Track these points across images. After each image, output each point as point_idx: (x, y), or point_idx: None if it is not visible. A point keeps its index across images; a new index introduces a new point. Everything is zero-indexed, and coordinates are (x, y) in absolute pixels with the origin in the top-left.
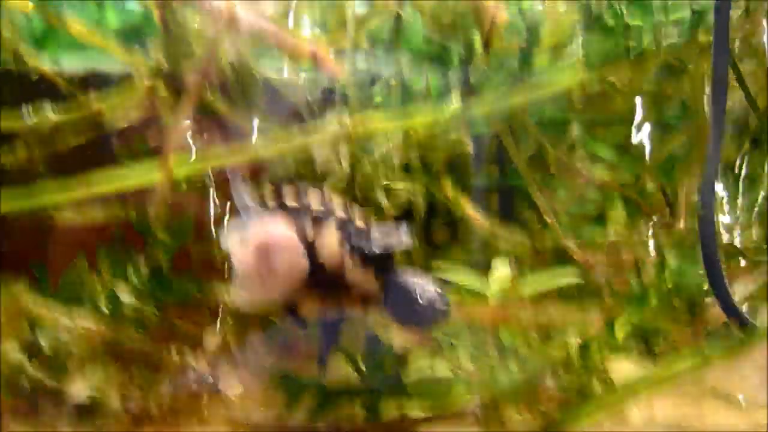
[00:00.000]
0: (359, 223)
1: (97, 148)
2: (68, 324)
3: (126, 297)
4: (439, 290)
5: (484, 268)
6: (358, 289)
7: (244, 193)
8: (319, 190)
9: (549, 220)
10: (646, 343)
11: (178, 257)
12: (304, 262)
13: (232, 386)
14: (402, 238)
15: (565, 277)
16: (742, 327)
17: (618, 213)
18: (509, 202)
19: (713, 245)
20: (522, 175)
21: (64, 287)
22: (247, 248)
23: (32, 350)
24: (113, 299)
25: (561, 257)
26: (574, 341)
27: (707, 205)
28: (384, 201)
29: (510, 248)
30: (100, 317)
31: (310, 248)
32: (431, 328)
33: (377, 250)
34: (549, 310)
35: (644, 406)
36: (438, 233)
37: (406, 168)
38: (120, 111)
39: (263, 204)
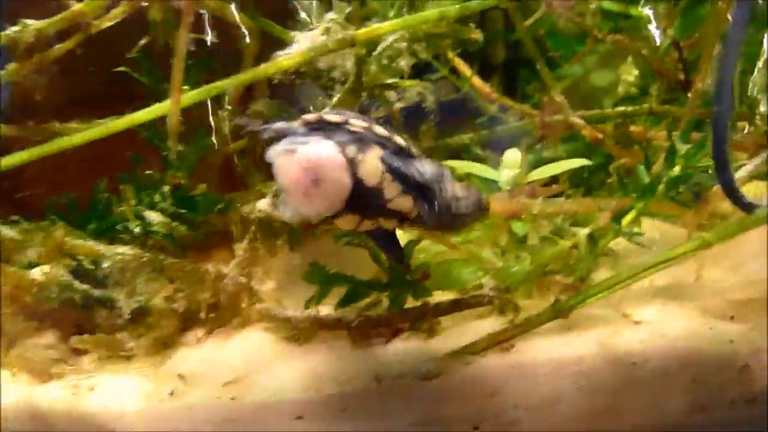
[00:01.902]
0: (399, 140)
1: None
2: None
3: (154, 218)
4: (475, 194)
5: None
6: (396, 209)
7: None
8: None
9: (556, 98)
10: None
11: (198, 172)
12: (348, 181)
13: None
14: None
15: (574, 163)
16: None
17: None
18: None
19: (724, 131)
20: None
21: (93, 218)
22: (295, 166)
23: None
24: (143, 222)
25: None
26: (582, 232)
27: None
28: (393, 97)
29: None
30: (134, 240)
31: (352, 166)
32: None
33: (421, 180)
34: (558, 201)
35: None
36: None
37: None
38: None
39: (304, 121)
